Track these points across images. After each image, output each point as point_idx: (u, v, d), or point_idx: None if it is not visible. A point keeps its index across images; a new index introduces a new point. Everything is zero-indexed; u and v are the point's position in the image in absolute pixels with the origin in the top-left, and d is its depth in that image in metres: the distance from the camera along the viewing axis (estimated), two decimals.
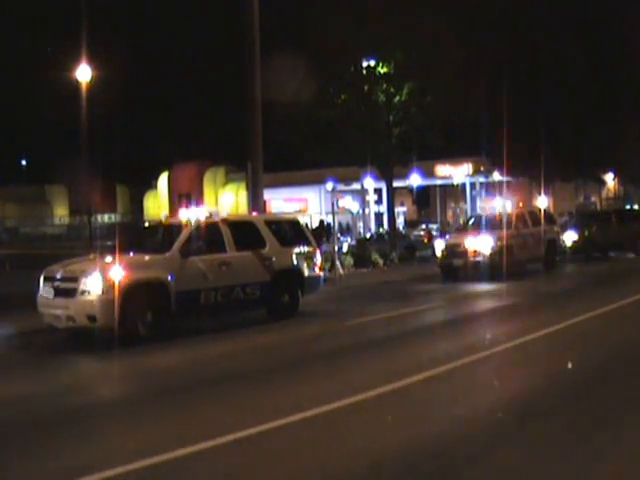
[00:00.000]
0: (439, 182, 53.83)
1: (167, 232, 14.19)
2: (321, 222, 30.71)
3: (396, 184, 36.23)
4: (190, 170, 61.10)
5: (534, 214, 24.61)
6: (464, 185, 52.27)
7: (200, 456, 6.15)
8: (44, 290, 12.50)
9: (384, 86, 30.16)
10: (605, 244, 27.86)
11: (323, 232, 25.71)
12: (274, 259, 14.30)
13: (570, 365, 9.43)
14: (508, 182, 47.77)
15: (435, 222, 52.86)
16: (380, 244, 33.18)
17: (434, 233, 41.32)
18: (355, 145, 30.39)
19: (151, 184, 65.74)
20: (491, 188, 48.22)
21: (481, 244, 21.51)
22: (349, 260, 26.45)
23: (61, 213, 74.16)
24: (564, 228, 28.34)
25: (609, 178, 54.53)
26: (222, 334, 13.12)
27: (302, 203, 55.53)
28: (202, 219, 13.84)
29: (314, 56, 27.87)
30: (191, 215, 14.10)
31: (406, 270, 25.91)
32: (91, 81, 23.90)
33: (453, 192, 57.69)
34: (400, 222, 49.10)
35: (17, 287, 17.51)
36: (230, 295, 13.42)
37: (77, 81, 23.68)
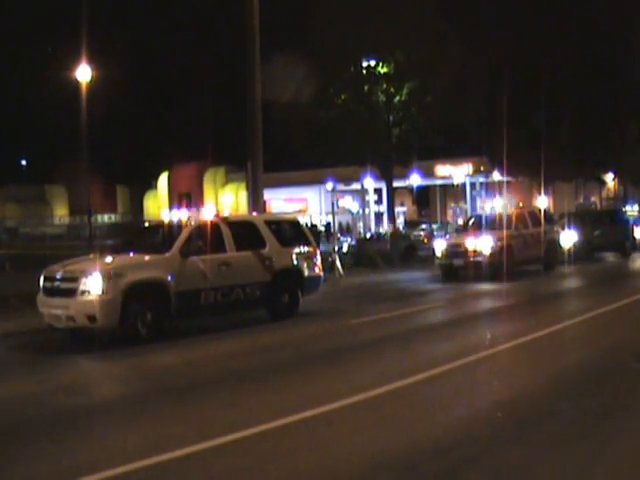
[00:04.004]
0: (439, 182, 53.83)
1: (167, 232, 14.19)
2: (314, 226, 30.74)
3: (396, 184, 36.21)
4: (190, 170, 61.11)
5: (534, 214, 24.62)
6: (464, 185, 52.27)
7: (200, 456, 6.15)
8: (44, 290, 12.50)
9: (384, 86, 30.13)
10: (596, 245, 27.84)
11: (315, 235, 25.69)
12: (274, 259, 14.30)
13: (570, 365, 9.44)
14: (508, 182, 47.91)
15: (435, 222, 52.89)
16: (380, 244, 33.17)
17: (435, 233, 41.29)
18: (355, 145, 30.37)
19: (151, 184, 65.74)
20: (492, 188, 48.26)
21: (481, 244, 21.52)
22: (348, 260, 26.47)
23: (61, 213, 74.15)
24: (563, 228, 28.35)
25: (609, 178, 54.55)
26: (222, 334, 13.12)
27: (302, 203, 55.52)
28: (202, 219, 13.85)
29: (314, 56, 27.86)
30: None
31: (406, 270, 25.92)
32: (91, 81, 23.89)
33: (453, 192, 57.69)
34: (400, 222, 49.06)
35: (17, 287, 17.51)
36: (230, 295, 13.43)
37: (77, 81, 23.67)
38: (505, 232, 22.13)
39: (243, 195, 46.51)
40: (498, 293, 18.58)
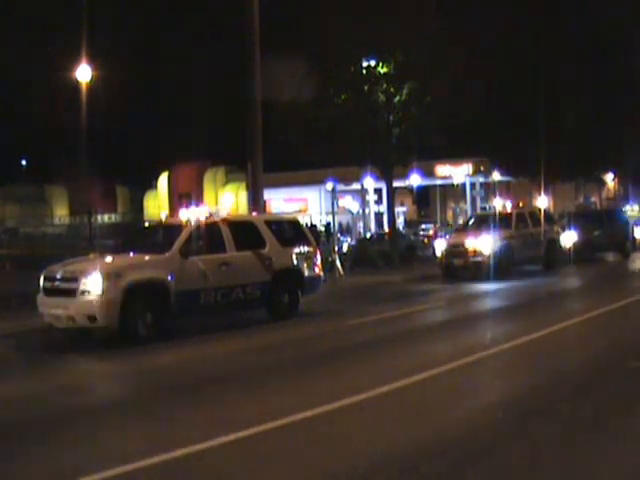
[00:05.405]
0: (439, 182, 53.81)
1: (167, 232, 14.19)
2: (314, 226, 30.77)
3: (396, 184, 36.18)
4: (190, 170, 61.04)
5: (534, 214, 24.63)
6: (464, 185, 52.25)
7: (200, 456, 6.15)
8: (44, 290, 12.50)
9: (384, 86, 30.13)
10: (596, 245, 27.83)
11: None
12: (274, 259, 14.30)
13: (570, 365, 9.43)
14: (508, 182, 47.93)
15: (435, 222, 52.90)
16: (380, 244, 33.16)
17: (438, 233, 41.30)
18: (355, 145, 30.36)
19: (151, 184, 65.69)
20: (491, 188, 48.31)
21: (481, 244, 21.52)
22: (348, 260, 26.45)
23: (61, 213, 74.04)
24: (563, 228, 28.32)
25: (609, 178, 54.57)
26: (222, 334, 13.12)
27: (302, 203, 55.48)
28: (202, 219, 13.85)
29: (314, 56, 27.85)
30: (191, 215, 14.11)
31: (406, 270, 25.91)
32: (91, 81, 23.86)
33: (453, 192, 57.68)
34: (400, 222, 49.04)
35: (17, 287, 17.51)
36: (230, 295, 13.43)
37: (77, 81, 23.65)
38: (505, 232, 22.14)
39: (243, 195, 46.49)
40: (498, 293, 18.57)
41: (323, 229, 33.98)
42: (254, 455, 6.20)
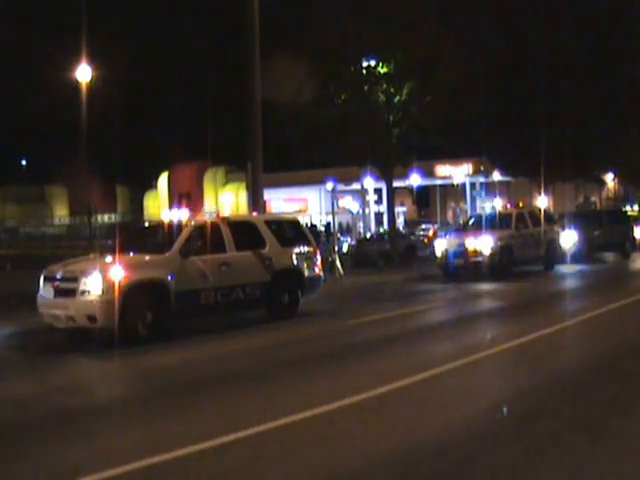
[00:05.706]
0: (439, 182, 53.83)
1: (167, 232, 14.19)
2: (314, 226, 30.80)
3: (396, 184, 36.19)
4: (190, 170, 61.05)
5: (534, 214, 24.63)
6: (464, 185, 52.27)
7: (200, 456, 6.15)
8: (44, 290, 12.50)
9: (384, 86, 30.14)
10: (596, 245, 27.82)
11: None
12: (274, 259, 14.30)
13: (570, 365, 9.44)
14: (508, 182, 47.94)
15: (435, 222, 52.90)
16: (380, 244, 33.18)
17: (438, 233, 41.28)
18: (355, 145, 30.36)
19: (151, 184, 65.73)
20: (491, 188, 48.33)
21: (481, 244, 21.52)
22: (348, 260, 26.48)
23: (61, 213, 74.07)
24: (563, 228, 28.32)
25: (609, 178, 54.59)
26: (222, 334, 13.12)
27: (302, 203, 55.49)
28: (199, 219, 13.87)
29: (314, 56, 27.85)
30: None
31: (406, 270, 25.92)
32: (91, 81, 23.85)
33: (453, 192, 57.69)
34: (400, 222, 49.06)
35: (17, 287, 17.51)
36: (230, 295, 13.43)
37: (77, 81, 23.63)
38: (505, 232, 22.15)
39: (243, 195, 46.48)
40: (498, 293, 18.58)
41: (323, 229, 34.02)
42: (254, 455, 6.20)
